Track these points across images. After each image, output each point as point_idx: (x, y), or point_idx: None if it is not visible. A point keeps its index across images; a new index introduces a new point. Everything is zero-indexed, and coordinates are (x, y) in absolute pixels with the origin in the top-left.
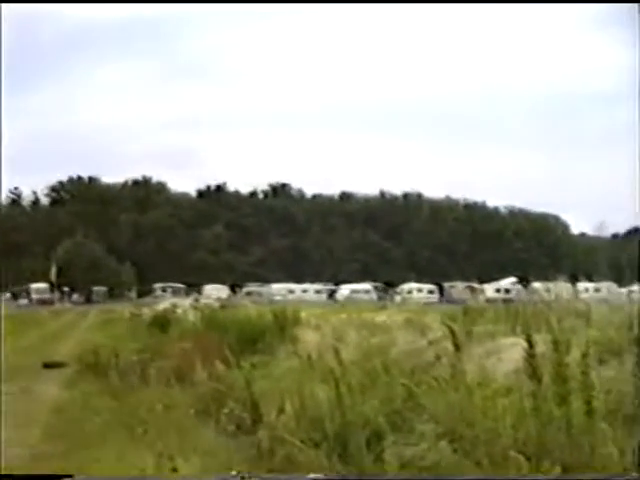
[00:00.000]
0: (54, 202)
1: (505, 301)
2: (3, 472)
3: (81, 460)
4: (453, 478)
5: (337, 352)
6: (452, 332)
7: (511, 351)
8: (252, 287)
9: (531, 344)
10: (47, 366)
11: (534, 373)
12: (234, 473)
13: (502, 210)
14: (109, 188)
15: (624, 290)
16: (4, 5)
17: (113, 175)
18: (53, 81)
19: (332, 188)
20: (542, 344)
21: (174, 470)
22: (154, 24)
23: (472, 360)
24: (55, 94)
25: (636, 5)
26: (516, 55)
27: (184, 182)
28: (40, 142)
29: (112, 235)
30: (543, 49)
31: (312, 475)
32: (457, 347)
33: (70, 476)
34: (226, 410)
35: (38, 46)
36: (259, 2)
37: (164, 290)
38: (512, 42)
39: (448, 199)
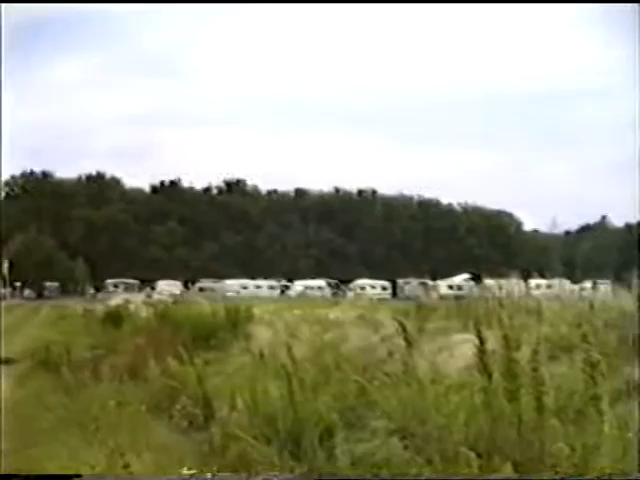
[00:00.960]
0: (7, 197)
1: (458, 298)
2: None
3: (33, 458)
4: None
5: (290, 348)
6: (404, 328)
7: (463, 347)
8: (205, 283)
9: (482, 340)
10: None
11: (485, 369)
12: (186, 470)
13: (456, 207)
14: (63, 183)
15: (576, 287)
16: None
17: (67, 170)
18: (6, 74)
19: (287, 184)
20: (493, 340)
21: (126, 467)
22: (110, 18)
23: (424, 356)
24: (8, 87)
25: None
26: (473, 55)
27: (139, 178)
28: None
29: (65, 231)
30: (499, 49)
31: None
32: (409, 343)
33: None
34: (179, 406)
35: None
36: (218, 2)
37: (116, 286)
38: (472, 42)
39: (402, 196)
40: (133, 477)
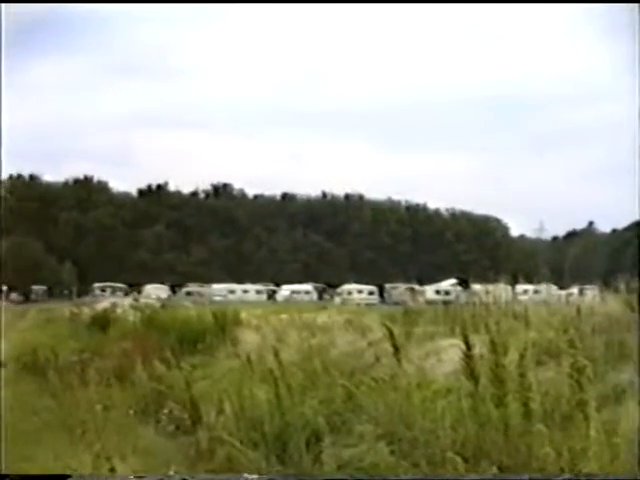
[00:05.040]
0: None
1: (445, 303)
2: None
3: (15, 460)
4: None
5: (277, 353)
6: (391, 333)
7: (450, 352)
8: (193, 287)
9: (469, 345)
10: None
11: (472, 374)
12: (172, 473)
13: (443, 212)
14: (50, 187)
15: (563, 292)
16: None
17: (54, 173)
18: None
19: (274, 189)
20: (481, 345)
21: (111, 470)
22: (95, 19)
23: (411, 361)
24: None
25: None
26: (460, 59)
27: (126, 181)
28: None
29: (53, 234)
30: (485, 52)
31: (247, 475)
32: (396, 348)
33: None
34: (166, 410)
35: None
36: (206, 2)
37: (104, 290)
38: (457, 44)
39: (390, 201)
40: (123, 477)
